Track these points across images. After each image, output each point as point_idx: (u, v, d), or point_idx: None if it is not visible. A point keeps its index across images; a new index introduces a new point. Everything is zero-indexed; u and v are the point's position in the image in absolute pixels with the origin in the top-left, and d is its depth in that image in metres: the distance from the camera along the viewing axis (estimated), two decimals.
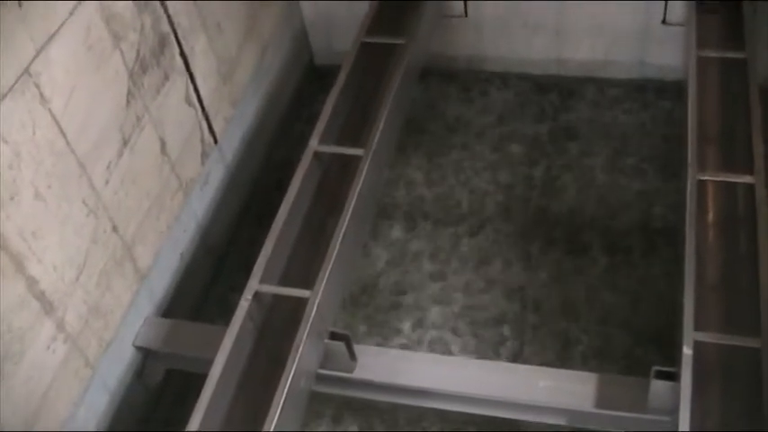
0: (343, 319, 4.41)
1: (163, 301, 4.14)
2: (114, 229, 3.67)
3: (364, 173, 3.88)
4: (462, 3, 5.26)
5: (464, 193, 4.96)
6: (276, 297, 3.60)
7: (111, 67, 3.55)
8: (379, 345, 4.29)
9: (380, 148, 4.06)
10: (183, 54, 4.14)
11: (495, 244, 4.69)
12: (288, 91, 5.48)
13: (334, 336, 3.57)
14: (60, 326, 3.35)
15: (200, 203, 4.45)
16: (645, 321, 4.27)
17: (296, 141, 5.05)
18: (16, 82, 2.99)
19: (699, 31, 4.34)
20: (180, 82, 4.14)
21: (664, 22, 5.05)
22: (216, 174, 4.59)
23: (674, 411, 3.15)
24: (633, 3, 5.02)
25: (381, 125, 4.07)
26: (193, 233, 4.39)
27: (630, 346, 4.19)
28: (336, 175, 4.04)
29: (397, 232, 4.81)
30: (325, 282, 3.49)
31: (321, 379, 3.63)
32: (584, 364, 4.11)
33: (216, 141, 4.55)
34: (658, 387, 3.29)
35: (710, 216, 3.71)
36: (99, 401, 3.68)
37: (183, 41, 4.12)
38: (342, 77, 4.33)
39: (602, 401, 3.47)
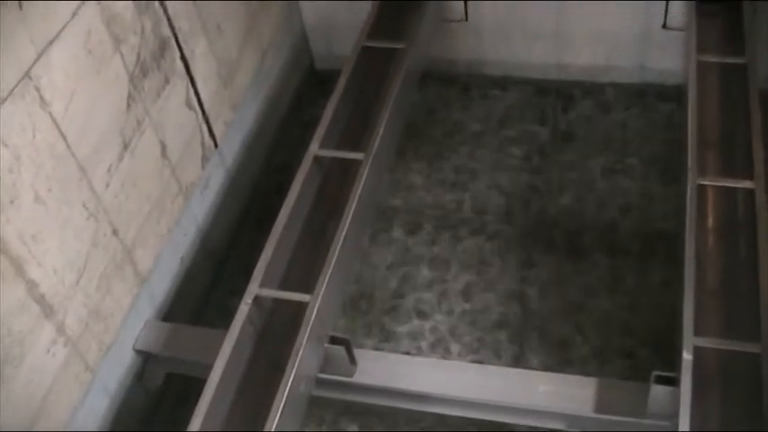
0: (343, 323, 4.41)
1: (163, 304, 4.14)
2: (114, 232, 3.68)
3: (364, 177, 3.88)
4: (463, 7, 5.26)
5: (464, 197, 4.96)
6: (276, 301, 3.60)
7: (111, 71, 3.56)
8: (378, 349, 4.29)
9: (381, 152, 4.07)
10: (183, 57, 4.14)
11: (496, 248, 4.69)
12: (288, 95, 5.48)
13: (334, 340, 3.57)
14: (60, 329, 3.35)
15: (201, 207, 4.45)
16: (644, 325, 4.27)
17: (296, 145, 5.05)
18: (17, 85, 2.99)
19: (699, 35, 4.34)
20: (180, 85, 4.14)
21: (664, 26, 5.05)
22: (216, 178, 4.59)
23: (673, 416, 3.15)
24: (633, 7, 5.02)
25: (381, 129, 4.07)
26: (194, 237, 4.39)
27: (630, 350, 4.19)
28: (336, 179, 4.05)
29: (397, 236, 4.80)
30: (325, 286, 3.49)
31: (321, 383, 3.63)
32: (583, 368, 4.11)
33: (216, 145, 4.55)
34: (658, 392, 3.29)
35: (710, 221, 3.71)
36: (99, 405, 3.68)
37: (183, 45, 4.12)
38: (342, 82, 4.33)
39: (601, 406, 3.47)
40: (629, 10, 5.04)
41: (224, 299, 4.52)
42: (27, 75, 3.04)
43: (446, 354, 4.28)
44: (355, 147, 4.08)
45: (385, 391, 3.70)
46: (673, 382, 3.24)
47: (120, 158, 3.67)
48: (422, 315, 4.45)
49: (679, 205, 3.88)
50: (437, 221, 4.86)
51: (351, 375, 3.66)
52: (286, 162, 5.14)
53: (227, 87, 4.62)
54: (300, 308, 3.45)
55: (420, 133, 5.32)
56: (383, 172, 4.41)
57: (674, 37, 5.00)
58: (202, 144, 4.40)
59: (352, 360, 3.64)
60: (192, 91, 4.25)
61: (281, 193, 3.88)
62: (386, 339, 4.37)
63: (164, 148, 4.01)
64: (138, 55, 3.75)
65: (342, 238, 3.65)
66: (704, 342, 3.22)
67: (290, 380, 3.21)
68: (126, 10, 3.62)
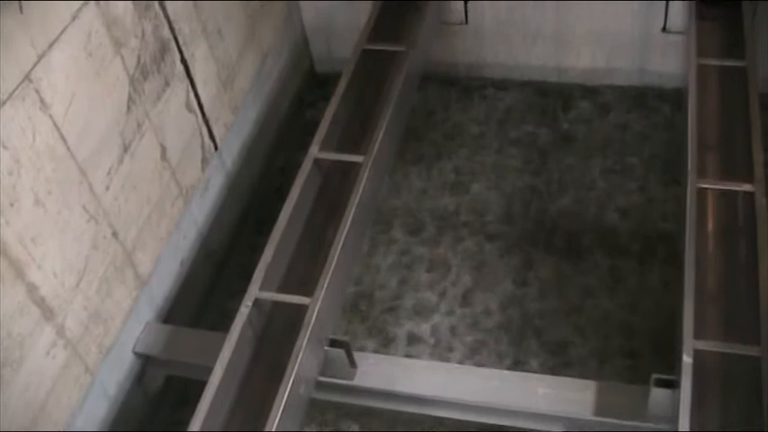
0: (343, 325, 4.41)
1: (163, 307, 4.14)
2: (114, 235, 3.67)
3: (364, 180, 3.88)
4: (463, 9, 5.26)
5: (464, 199, 4.96)
6: (276, 304, 3.61)
7: (111, 73, 3.56)
8: (378, 351, 4.29)
9: (380, 155, 4.07)
10: (183, 60, 4.14)
11: (496, 249, 4.69)
12: (288, 98, 5.49)
13: (333, 343, 3.57)
14: (60, 332, 3.35)
15: (201, 210, 4.45)
16: (644, 326, 4.27)
17: (296, 148, 5.06)
18: (17, 88, 2.99)
19: (699, 38, 4.34)
20: (180, 88, 4.14)
21: (664, 29, 5.06)
22: (216, 180, 4.59)
23: (673, 419, 3.14)
24: (633, 10, 5.03)
25: (381, 132, 4.07)
26: (193, 239, 4.39)
27: (630, 351, 4.19)
28: (336, 182, 4.05)
29: (397, 238, 4.81)
30: (325, 289, 3.49)
31: (321, 386, 3.63)
32: (583, 372, 4.11)
33: (216, 148, 4.55)
34: (658, 395, 3.29)
35: (710, 224, 3.71)
36: (98, 407, 3.67)
37: (183, 48, 4.12)
38: (342, 84, 4.33)
39: (601, 409, 3.46)
40: (629, 13, 5.04)
41: (224, 301, 4.52)
42: (27, 77, 3.04)
43: (446, 356, 4.28)
44: (355, 150, 4.08)
45: (385, 394, 3.70)
46: (673, 385, 3.24)
47: (120, 161, 3.67)
48: (422, 317, 4.45)
49: (679, 208, 3.88)
50: (437, 223, 4.86)
51: (351, 378, 3.66)
52: (286, 165, 5.15)
53: (227, 90, 4.62)
54: (300, 310, 3.45)
55: (420, 135, 5.32)
56: (383, 175, 4.41)
57: (674, 40, 5.01)
58: (202, 146, 4.40)
59: (352, 363, 3.64)
60: (192, 94, 4.25)
61: (281, 195, 3.89)
62: (385, 341, 4.37)
63: (164, 150, 4.02)
64: (139, 58, 3.75)
65: (342, 241, 3.65)
66: (704, 345, 3.22)
67: (290, 382, 3.20)
68: (126, 13, 3.62)
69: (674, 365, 3.34)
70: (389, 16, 4.79)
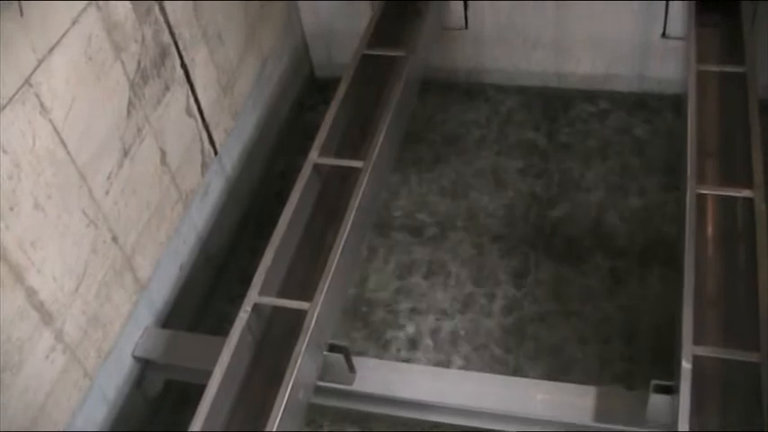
0: (342, 330, 4.41)
1: (162, 311, 4.14)
2: (114, 239, 3.68)
3: (364, 185, 3.88)
4: (463, 15, 5.27)
5: (464, 204, 4.96)
6: (275, 309, 3.60)
7: (111, 78, 3.56)
8: (377, 356, 4.29)
9: (380, 160, 4.07)
10: (183, 65, 4.14)
11: (495, 254, 4.69)
12: (288, 103, 5.49)
13: (332, 348, 3.57)
14: (59, 336, 3.35)
15: (200, 214, 4.46)
16: (644, 333, 4.27)
17: (296, 153, 5.06)
18: (17, 92, 2.99)
19: (698, 45, 4.34)
20: (180, 93, 4.15)
21: (663, 35, 5.07)
22: (216, 185, 4.59)
23: (672, 425, 3.14)
24: (633, 16, 5.03)
25: (381, 137, 4.07)
26: (193, 244, 4.39)
27: (629, 358, 4.19)
28: (336, 187, 4.05)
29: (396, 242, 4.81)
30: (324, 293, 3.49)
31: (320, 391, 3.63)
32: (583, 377, 4.11)
33: (216, 152, 4.55)
34: (657, 401, 3.29)
35: (709, 230, 3.71)
36: (97, 412, 3.67)
37: (183, 53, 4.13)
38: (342, 89, 4.33)
39: (600, 415, 3.46)
40: (629, 19, 5.05)
41: (223, 306, 4.52)
42: (27, 81, 3.04)
43: (445, 361, 4.28)
44: (355, 155, 4.09)
45: (384, 400, 3.70)
46: (671, 390, 3.24)
47: (120, 165, 3.68)
48: (421, 321, 4.44)
49: (678, 214, 3.88)
50: (436, 228, 4.86)
51: (350, 383, 3.66)
52: (286, 169, 5.15)
53: (227, 95, 4.62)
54: (299, 315, 3.45)
55: (420, 140, 5.32)
56: (383, 180, 4.41)
57: (674, 46, 5.02)
58: (202, 151, 4.41)
59: (351, 368, 3.64)
60: (192, 98, 4.26)
61: (281, 200, 3.89)
62: (384, 346, 4.37)
63: (163, 155, 4.02)
64: (139, 62, 3.75)
65: (341, 246, 3.65)
66: (703, 351, 3.22)
67: (289, 387, 3.20)
68: (127, 18, 3.62)
69: (672, 371, 3.35)
70: (389, 21, 4.80)
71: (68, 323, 3.40)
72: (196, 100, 4.30)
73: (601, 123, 5.33)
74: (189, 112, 4.24)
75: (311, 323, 3.39)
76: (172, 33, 4.01)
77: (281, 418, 3.13)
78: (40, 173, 3.15)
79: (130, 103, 3.71)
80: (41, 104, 3.12)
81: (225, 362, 3.33)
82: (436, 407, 3.67)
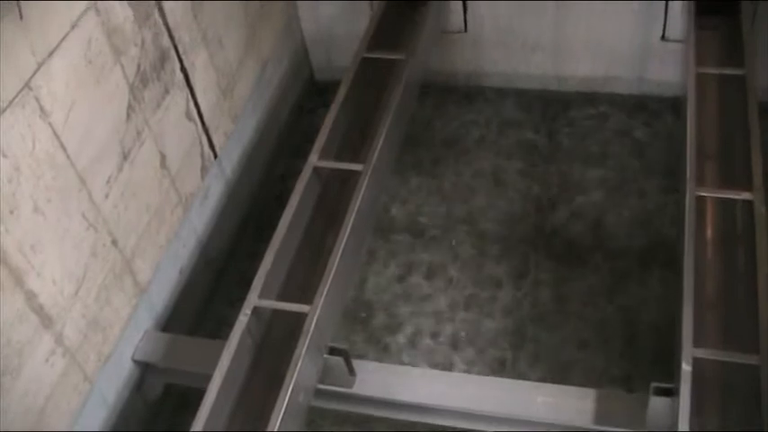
0: (342, 333, 4.41)
1: (162, 315, 4.14)
2: (114, 242, 3.68)
3: (363, 188, 3.88)
4: (462, 18, 5.27)
5: (463, 206, 4.96)
6: (275, 312, 3.60)
7: (111, 81, 3.56)
8: (377, 359, 4.29)
9: (380, 163, 4.07)
10: (183, 69, 4.15)
11: (495, 256, 4.69)
12: (288, 106, 5.49)
13: (332, 351, 3.57)
14: (59, 340, 3.35)
15: (200, 218, 4.46)
16: (644, 334, 4.27)
17: (296, 156, 5.07)
18: (17, 96, 3.00)
19: (698, 47, 4.34)
20: (180, 96, 4.15)
21: (663, 38, 5.07)
22: (215, 188, 4.59)
23: (672, 427, 3.14)
24: (633, 19, 5.03)
25: (381, 140, 4.07)
26: (193, 247, 4.39)
27: (629, 361, 4.19)
28: (336, 190, 4.05)
29: (395, 246, 4.81)
30: (324, 297, 3.49)
31: (320, 394, 3.62)
32: (583, 378, 4.11)
33: (216, 156, 4.56)
34: (657, 403, 3.28)
35: (709, 232, 3.71)
36: (97, 415, 3.67)
37: (183, 56, 4.13)
38: (342, 93, 4.33)
39: (600, 417, 3.46)
40: (629, 22, 5.05)
41: (223, 309, 4.52)
42: (27, 85, 3.05)
43: (445, 365, 4.27)
44: (355, 158, 4.09)
45: (384, 402, 3.70)
46: (672, 393, 3.24)
47: (120, 169, 3.68)
48: (421, 323, 4.44)
49: (678, 216, 3.88)
50: (436, 229, 4.87)
51: (350, 386, 3.66)
52: (286, 172, 5.16)
53: (226, 98, 4.63)
54: (299, 318, 3.45)
55: (419, 143, 5.32)
56: (382, 183, 4.41)
57: (673, 48, 5.02)
58: (202, 155, 4.41)
59: (351, 371, 3.64)
60: (191, 102, 4.26)
61: (281, 203, 3.89)
62: (384, 349, 4.37)
63: (163, 158, 4.02)
64: (139, 66, 3.75)
65: (341, 249, 3.65)
66: (703, 353, 3.22)
67: (289, 390, 3.20)
68: (126, 21, 3.62)
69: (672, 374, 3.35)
70: (389, 25, 4.80)
71: (68, 326, 3.40)
72: (196, 103, 4.30)
73: (600, 126, 5.34)
74: (189, 116, 4.25)
75: (311, 326, 3.39)
76: (171, 37, 4.01)
77: (281, 421, 3.13)
78: (39, 176, 3.15)
79: (130, 107, 3.72)
80: (41, 108, 3.13)
81: (225, 365, 3.33)
82: (436, 410, 3.66)
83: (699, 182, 3.76)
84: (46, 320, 3.25)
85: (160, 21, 3.91)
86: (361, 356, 4.17)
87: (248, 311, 3.49)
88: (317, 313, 3.43)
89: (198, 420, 3.17)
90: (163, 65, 3.96)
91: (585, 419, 3.47)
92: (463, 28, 5.33)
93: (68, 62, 3.27)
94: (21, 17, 2.96)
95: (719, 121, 4.13)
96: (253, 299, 3.52)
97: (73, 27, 3.28)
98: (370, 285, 4.64)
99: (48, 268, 3.24)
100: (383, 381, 3.70)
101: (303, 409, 3.43)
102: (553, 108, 5.47)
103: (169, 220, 4.13)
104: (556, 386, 3.74)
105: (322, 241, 3.88)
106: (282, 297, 3.67)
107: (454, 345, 4.35)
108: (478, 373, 4.20)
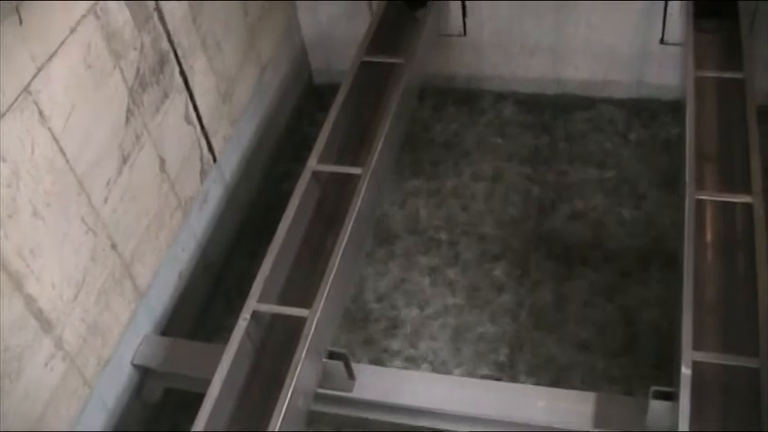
0: (341, 337, 4.41)
1: (162, 319, 4.14)
2: (113, 247, 3.68)
3: (363, 192, 3.88)
4: (461, 22, 5.27)
5: (462, 211, 4.96)
6: (274, 316, 3.60)
7: (110, 86, 3.57)
8: (376, 362, 4.29)
9: (379, 167, 4.07)
10: (182, 73, 4.15)
11: (494, 261, 4.69)
12: (287, 110, 5.49)
13: (332, 355, 3.57)
14: (58, 344, 3.34)
15: (199, 222, 4.46)
16: (643, 336, 4.27)
17: (295, 160, 5.07)
18: (15, 100, 3.00)
19: (696, 51, 4.35)
20: (179, 100, 4.15)
21: (662, 41, 5.07)
22: (215, 192, 4.59)
23: (672, 431, 3.14)
24: (631, 22, 5.04)
25: (380, 144, 4.08)
26: (192, 251, 4.39)
27: (628, 362, 4.19)
28: (335, 194, 4.05)
29: (395, 250, 4.81)
30: (323, 301, 3.49)
31: (319, 398, 3.62)
32: (582, 384, 4.11)
33: (215, 160, 4.56)
34: (657, 407, 3.28)
35: (708, 235, 3.72)
36: (97, 420, 3.67)
37: (182, 60, 4.13)
38: (341, 96, 4.33)
39: (600, 421, 3.46)
40: (627, 25, 5.05)
41: (222, 313, 4.52)
42: (26, 89, 3.05)
43: (444, 369, 4.27)
44: (354, 162, 4.09)
45: (383, 406, 3.70)
46: (671, 397, 3.24)
47: (119, 173, 3.68)
48: (420, 327, 4.44)
49: (677, 219, 3.88)
50: (435, 234, 4.86)
51: (349, 390, 3.65)
52: (285, 176, 5.15)
53: (225, 102, 4.63)
54: (299, 322, 3.44)
55: (418, 147, 5.33)
56: (381, 186, 4.41)
57: (672, 52, 5.02)
58: (201, 159, 4.41)
59: (351, 375, 3.64)
60: (191, 106, 4.26)
61: (280, 207, 3.89)
62: (383, 352, 4.36)
63: (162, 162, 4.02)
64: (138, 70, 3.75)
65: (340, 253, 3.65)
66: (703, 357, 3.22)
67: (289, 395, 3.20)
68: (125, 25, 3.63)
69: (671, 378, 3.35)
70: (388, 29, 4.80)
71: (67, 331, 3.39)
72: (195, 107, 4.30)
73: (599, 129, 5.33)
74: (188, 120, 4.25)
75: (310, 330, 3.39)
76: (171, 41, 4.01)
77: (280, 426, 3.13)
78: (38, 181, 3.15)
79: (129, 111, 3.72)
80: (40, 112, 3.13)
81: (224, 369, 3.33)
82: (436, 413, 3.66)
83: (698, 185, 3.76)
84: (45, 325, 3.25)
85: (159, 25, 3.91)
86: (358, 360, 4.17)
87: (247, 315, 3.49)
88: (316, 317, 3.43)
89: (197, 424, 3.17)
90: (162, 69, 3.96)
91: (585, 423, 3.47)
92: (462, 31, 5.33)
93: (67, 66, 3.27)
94: (20, 22, 2.97)
95: (718, 124, 4.13)
96: (252, 303, 3.52)
97: (72, 31, 3.28)
98: (368, 288, 4.63)
99: (47, 272, 3.24)
100: (383, 384, 3.69)
101: (303, 414, 3.43)
102: (552, 111, 5.47)
103: (168, 224, 4.13)
104: (555, 390, 3.74)
105: (321, 245, 3.88)
106: (282, 301, 3.67)
107: (454, 346, 4.34)
108: (478, 376, 4.20)
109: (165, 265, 4.13)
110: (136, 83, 3.74)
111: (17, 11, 2.94)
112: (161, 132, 3.99)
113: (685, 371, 3.16)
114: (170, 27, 3.99)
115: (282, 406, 3.17)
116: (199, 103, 4.32)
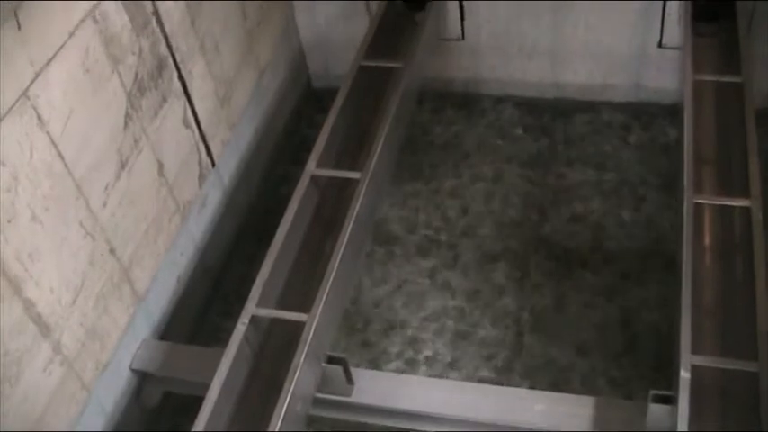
0: (340, 341, 4.41)
1: (160, 323, 4.14)
2: (112, 251, 3.67)
3: (361, 196, 3.88)
4: (460, 26, 5.28)
5: (461, 214, 4.96)
6: (273, 320, 3.60)
7: (109, 90, 3.57)
8: (374, 367, 4.28)
9: (378, 171, 4.07)
10: (181, 77, 4.15)
11: (493, 264, 4.69)
12: (285, 114, 5.49)
13: (331, 359, 3.57)
14: (57, 348, 3.34)
15: (198, 226, 4.45)
16: (643, 339, 4.27)
17: (293, 163, 5.07)
18: (14, 105, 3.00)
19: (695, 54, 4.35)
20: (178, 105, 4.15)
21: (660, 45, 5.07)
22: (213, 196, 4.59)
23: None
24: (630, 26, 5.04)
25: (379, 148, 4.07)
26: (191, 256, 4.39)
27: (629, 367, 4.19)
28: (334, 198, 4.05)
29: (394, 252, 4.81)
30: (322, 305, 3.49)
31: (318, 402, 3.62)
32: (582, 386, 4.11)
33: (213, 164, 4.56)
34: (656, 411, 3.28)
35: (707, 239, 3.72)
36: (95, 424, 3.66)
37: (181, 65, 4.13)
38: (339, 100, 4.33)
39: (599, 425, 3.46)
40: (626, 29, 5.06)
41: (221, 318, 4.52)
42: (25, 94, 3.05)
43: (443, 373, 4.27)
44: (352, 166, 4.09)
45: (382, 411, 3.70)
46: (670, 400, 3.24)
47: (118, 177, 3.68)
48: (418, 333, 4.44)
49: (676, 223, 3.89)
50: (435, 237, 4.86)
51: (348, 395, 3.65)
52: (283, 181, 5.15)
53: (224, 106, 4.63)
54: (297, 327, 3.44)
55: (417, 151, 5.33)
56: (380, 191, 4.41)
57: (671, 56, 5.02)
58: (199, 163, 4.41)
59: (350, 379, 3.64)
60: (189, 110, 4.26)
61: (279, 211, 3.88)
62: (382, 356, 4.36)
63: (161, 166, 4.02)
64: (136, 74, 3.75)
65: (339, 257, 3.65)
66: (702, 360, 3.22)
67: (287, 399, 3.20)
68: (124, 30, 3.63)
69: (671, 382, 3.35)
70: (386, 33, 4.80)
71: (66, 335, 3.39)
72: (193, 111, 4.30)
73: (598, 133, 5.34)
74: (186, 124, 4.25)
75: (309, 335, 3.38)
76: (169, 45, 4.02)
77: (279, 430, 3.13)
78: (37, 185, 3.15)
79: (128, 115, 3.72)
80: (39, 117, 3.13)
81: (223, 374, 3.33)
82: (435, 418, 3.66)
83: (696, 189, 3.76)
84: (44, 329, 3.25)
85: (158, 29, 3.91)
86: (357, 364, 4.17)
87: (246, 320, 3.48)
88: (315, 322, 3.43)
89: (196, 428, 3.17)
90: (160, 73, 3.96)
91: (584, 427, 3.47)
92: (461, 35, 5.33)
93: (66, 71, 3.27)
94: (18, 27, 2.97)
95: (717, 128, 4.13)
96: (251, 307, 3.52)
97: (70, 35, 3.28)
98: (366, 291, 4.63)
99: (46, 277, 3.24)
100: (381, 389, 3.69)
101: (302, 418, 3.43)
102: (551, 115, 5.47)
103: (167, 228, 4.13)
104: (554, 393, 3.74)
105: (320, 249, 3.88)
106: (280, 305, 3.67)
107: (452, 352, 4.34)
108: (477, 378, 4.20)
109: (163, 269, 4.12)
110: (134, 87, 3.74)
111: (15, 15, 2.94)
112: (159, 137, 3.99)
113: (684, 374, 3.16)
114: (168, 31, 3.99)
115: (281, 410, 3.16)
116: (197, 107, 4.32)
